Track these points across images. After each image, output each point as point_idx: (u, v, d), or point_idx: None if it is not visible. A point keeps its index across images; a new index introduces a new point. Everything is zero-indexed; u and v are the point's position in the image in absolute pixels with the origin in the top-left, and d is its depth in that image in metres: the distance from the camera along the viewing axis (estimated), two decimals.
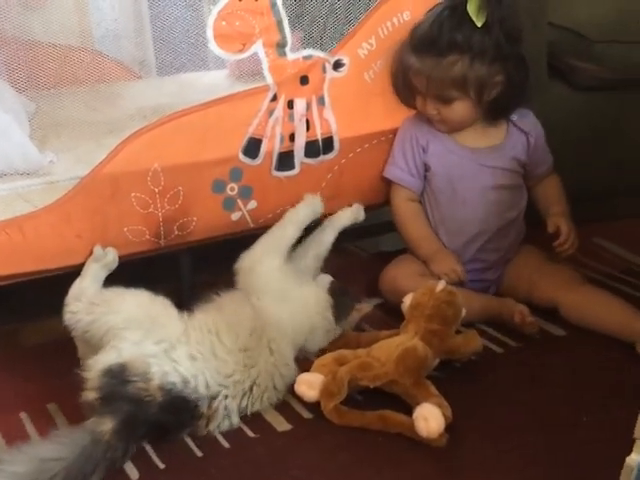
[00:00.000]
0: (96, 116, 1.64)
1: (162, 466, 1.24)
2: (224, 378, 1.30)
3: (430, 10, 1.63)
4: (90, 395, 1.24)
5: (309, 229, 1.61)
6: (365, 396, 1.36)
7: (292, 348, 1.40)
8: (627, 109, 1.98)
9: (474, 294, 1.61)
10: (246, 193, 1.58)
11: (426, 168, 1.69)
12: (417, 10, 1.64)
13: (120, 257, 1.47)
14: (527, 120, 1.70)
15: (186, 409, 1.26)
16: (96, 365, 1.25)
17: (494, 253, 1.68)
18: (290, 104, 1.56)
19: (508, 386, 1.42)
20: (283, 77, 1.53)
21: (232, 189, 1.56)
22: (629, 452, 0.96)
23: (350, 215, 1.65)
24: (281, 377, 1.36)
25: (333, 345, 1.47)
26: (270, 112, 1.55)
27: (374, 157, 1.70)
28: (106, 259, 1.45)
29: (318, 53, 1.57)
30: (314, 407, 1.34)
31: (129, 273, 1.49)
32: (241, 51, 1.50)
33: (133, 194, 1.46)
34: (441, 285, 1.43)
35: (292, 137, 1.58)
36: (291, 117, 1.57)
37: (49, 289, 1.41)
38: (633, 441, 0.95)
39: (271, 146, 1.57)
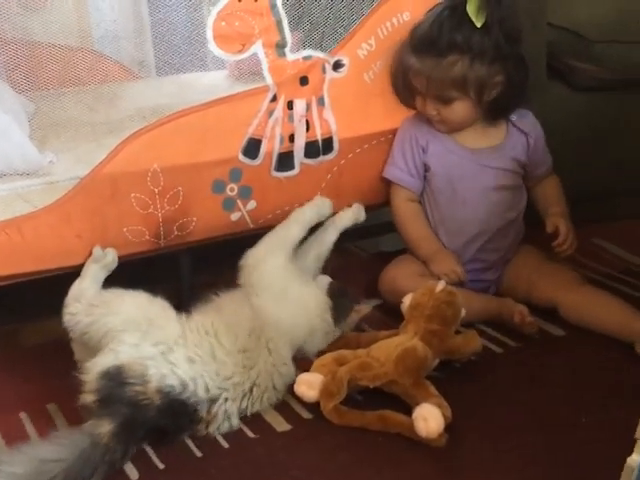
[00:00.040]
0: (96, 116, 1.64)
1: (162, 466, 1.24)
2: (224, 380, 1.30)
3: (430, 10, 1.63)
4: (88, 398, 1.24)
5: (311, 229, 1.61)
6: (365, 396, 1.36)
7: (290, 347, 1.40)
8: (627, 109, 1.98)
9: (474, 294, 1.61)
10: (246, 193, 1.58)
11: (426, 168, 1.69)
12: (417, 10, 1.64)
13: (120, 257, 1.47)
14: (527, 121, 1.71)
15: (185, 413, 1.26)
16: (94, 368, 1.25)
17: (494, 253, 1.68)
18: (290, 105, 1.56)
19: (508, 386, 1.42)
20: (283, 78, 1.53)
21: (232, 189, 1.56)
22: (629, 452, 0.95)
23: (352, 216, 1.65)
24: (280, 377, 1.36)
25: (333, 345, 1.47)
26: (270, 112, 1.55)
27: (374, 158, 1.70)
28: (105, 260, 1.45)
29: (318, 54, 1.57)
30: (314, 407, 1.34)
31: (129, 274, 1.49)
32: (240, 52, 1.50)
33: (133, 194, 1.47)
34: (441, 285, 1.44)
35: (292, 138, 1.58)
36: (291, 118, 1.57)
37: (49, 289, 1.41)
38: (634, 441, 0.95)
39: (271, 146, 1.57)
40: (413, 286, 1.49)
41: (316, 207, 1.60)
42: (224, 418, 1.29)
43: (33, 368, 1.49)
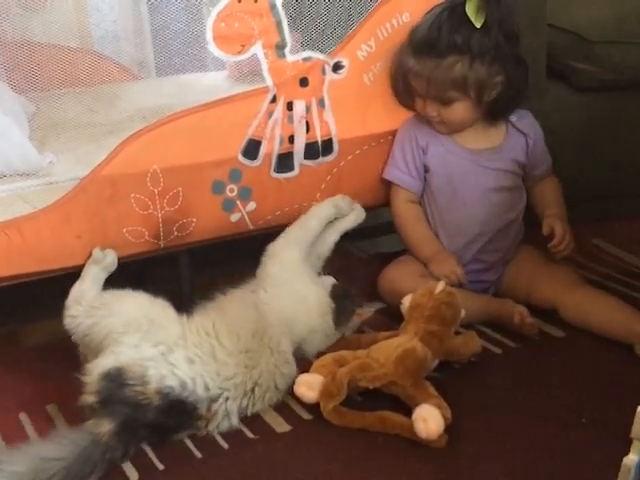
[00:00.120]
0: (95, 117, 1.64)
1: (161, 467, 1.24)
2: (224, 380, 1.30)
3: (429, 12, 1.63)
4: (89, 399, 1.24)
5: None
6: (365, 397, 1.36)
7: (290, 344, 1.40)
8: (626, 110, 1.99)
9: (473, 295, 1.61)
10: (245, 194, 1.58)
11: (426, 169, 1.69)
12: (417, 11, 1.64)
13: (120, 258, 1.47)
14: (526, 121, 1.71)
15: (184, 411, 1.26)
16: (95, 369, 1.26)
17: (494, 254, 1.68)
18: (289, 106, 1.56)
19: (507, 387, 1.42)
20: (282, 79, 1.53)
21: (231, 190, 1.56)
22: (627, 452, 0.96)
23: (354, 218, 1.64)
24: (282, 377, 1.36)
25: (333, 346, 1.46)
26: (269, 113, 1.55)
27: (373, 159, 1.70)
28: (105, 261, 1.45)
29: (317, 55, 1.57)
30: (314, 408, 1.34)
31: (129, 274, 1.49)
32: (240, 52, 1.50)
33: (132, 195, 1.47)
34: (440, 286, 1.44)
35: (291, 139, 1.58)
36: (290, 119, 1.57)
37: (48, 290, 1.41)
38: (631, 441, 0.96)
39: (270, 147, 1.57)
40: (413, 287, 1.49)
41: (335, 203, 1.60)
42: (224, 416, 1.30)
43: (33, 369, 1.49)
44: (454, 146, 1.68)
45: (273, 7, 1.49)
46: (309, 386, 1.34)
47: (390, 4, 1.63)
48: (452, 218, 1.67)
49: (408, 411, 1.29)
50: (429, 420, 1.24)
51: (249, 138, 1.54)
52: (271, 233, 1.56)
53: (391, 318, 1.55)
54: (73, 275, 1.43)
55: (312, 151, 1.61)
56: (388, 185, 1.72)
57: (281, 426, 1.33)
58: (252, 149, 1.55)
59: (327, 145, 1.62)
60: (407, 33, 1.63)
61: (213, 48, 1.48)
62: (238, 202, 1.57)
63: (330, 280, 1.53)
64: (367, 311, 1.52)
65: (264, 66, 1.51)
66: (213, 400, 1.28)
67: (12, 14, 1.48)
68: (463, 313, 1.44)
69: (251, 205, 1.59)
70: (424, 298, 1.43)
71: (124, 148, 1.45)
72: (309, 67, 1.56)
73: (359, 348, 1.42)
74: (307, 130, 1.59)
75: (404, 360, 1.34)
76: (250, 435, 1.31)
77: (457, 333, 1.45)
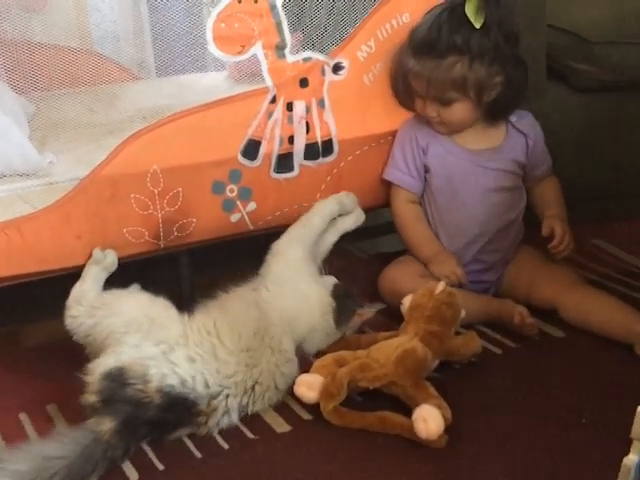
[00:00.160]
0: (95, 117, 1.64)
1: (161, 467, 1.24)
2: (224, 378, 1.30)
3: (428, 12, 1.64)
4: (91, 398, 1.25)
5: None
6: (365, 397, 1.36)
7: (292, 342, 1.41)
8: (626, 110, 1.99)
9: (473, 295, 1.61)
10: (245, 195, 1.58)
11: (426, 170, 1.69)
12: (417, 12, 1.64)
13: (120, 258, 1.47)
14: (526, 122, 1.71)
15: (184, 407, 1.27)
16: (96, 369, 1.26)
17: (494, 254, 1.68)
18: (289, 106, 1.56)
19: (507, 387, 1.42)
20: (282, 79, 1.53)
21: (231, 190, 1.56)
22: (627, 452, 0.96)
23: (354, 219, 1.64)
24: (282, 377, 1.36)
25: (333, 346, 1.46)
26: (269, 114, 1.55)
27: (373, 159, 1.70)
28: (105, 261, 1.45)
29: (317, 56, 1.57)
30: (314, 408, 1.34)
31: (129, 275, 1.49)
32: (240, 53, 1.50)
33: (133, 195, 1.47)
34: (441, 286, 1.44)
35: (291, 139, 1.58)
36: (290, 119, 1.57)
37: (49, 290, 1.41)
38: (631, 441, 0.96)
39: (270, 148, 1.57)
40: (413, 287, 1.49)
41: (339, 199, 1.61)
42: (224, 413, 1.30)
43: (33, 369, 1.49)
44: (454, 146, 1.68)
45: (273, 8, 1.49)
46: (309, 386, 1.34)
47: (390, 5, 1.63)
48: (452, 218, 1.68)
49: (408, 411, 1.29)
50: (429, 420, 1.24)
51: (249, 138, 1.54)
52: (271, 233, 1.56)
53: (391, 318, 1.55)
54: (73, 275, 1.43)
55: (312, 152, 1.61)
56: (388, 186, 1.72)
57: (281, 426, 1.33)
58: (252, 149, 1.55)
59: (327, 146, 1.62)
60: (407, 34, 1.64)
61: (213, 48, 1.48)
62: (238, 202, 1.57)
63: (332, 280, 1.52)
64: (368, 311, 1.52)
65: (264, 66, 1.52)
66: (213, 397, 1.28)
67: (12, 14, 1.48)
68: (463, 313, 1.44)
69: (251, 205, 1.59)
70: (424, 298, 1.43)
71: (124, 148, 1.45)
72: (309, 68, 1.56)
73: (359, 348, 1.42)
74: (307, 131, 1.59)
75: (404, 360, 1.34)
76: (250, 435, 1.31)
77: (457, 333, 1.45)
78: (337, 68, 1.60)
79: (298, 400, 1.36)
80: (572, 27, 2.02)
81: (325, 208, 1.59)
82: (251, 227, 1.61)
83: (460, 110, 1.62)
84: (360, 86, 1.64)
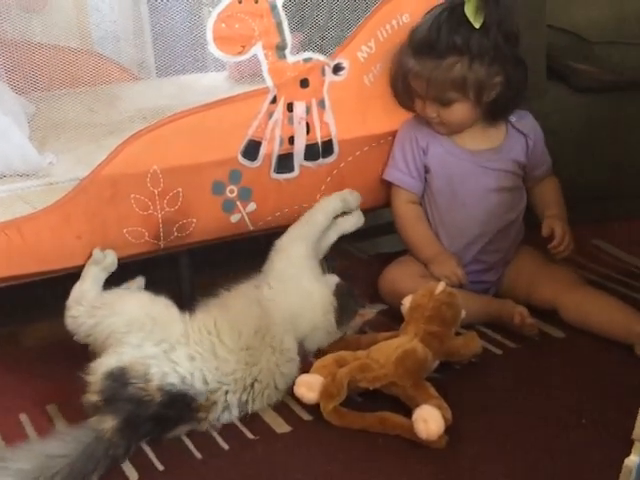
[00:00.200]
0: (95, 117, 1.64)
1: (161, 468, 1.24)
2: (224, 375, 1.31)
3: (428, 12, 1.64)
4: (93, 397, 1.25)
5: None
6: (365, 398, 1.36)
7: (295, 341, 1.40)
8: (626, 110, 1.99)
9: (474, 295, 1.61)
10: (245, 195, 1.58)
11: (426, 170, 1.69)
12: (417, 12, 1.64)
13: (120, 259, 1.47)
14: (526, 122, 1.71)
15: (184, 402, 1.27)
16: (98, 368, 1.27)
17: (494, 254, 1.68)
18: (290, 107, 1.56)
19: (507, 388, 1.42)
20: (283, 80, 1.53)
21: (231, 191, 1.56)
22: (628, 453, 0.96)
23: (354, 222, 1.64)
24: (282, 376, 1.36)
25: (333, 346, 1.46)
26: (269, 114, 1.55)
27: (374, 160, 1.70)
28: (105, 262, 1.45)
29: (318, 56, 1.57)
30: (314, 409, 1.34)
31: (129, 275, 1.49)
32: (240, 53, 1.50)
33: (133, 195, 1.47)
34: (441, 287, 1.44)
35: (291, 140, 1.58)
36: (290, 120, 1.57)
37: (49, 290, 1.41)
38: (632, 442, 0.95)
39: (270, 148, 1.57)
40: (413, 287, 1.49)
41: (343, 197, 1.61)
42: (224, 408, 1.30)
43: (33, 369, 1.50)
44: (454, 147, 1.68)
45: (274, 8, 1.49)
46: (309, 387, 1.34)
47: (390, 5, 1.63)
48: (452, 219, 1.67)
49: (408, 412, 1.29)
50: (429, 421, 1.24)
51: (249, 139, 1.54)
52: (271, 234, 1.56)
53: (391, 319, 1.55)
54: (73, 275, 1.43)
55: (312, 152, 1.61)
56: (388, 186, 1.72)
57: (281, 427, 1.33)
58: (252, 150, 1.55)
59: (327, 146, 1.62)
60: (407, 34, 1.63)
61: (213, 49, 1.48)
62: (238, 203, 1.57)
63: (334, 279, 1.52)
64: (370, 312, 1.51)
65: (264, 67, 1.51)
66: (212, 392, 1.29)
67: (12, 14, 1.48)
68: (463, 314, 1.44)
69: (251, 206, 1.59)
70: (424, 299, 1.42)
71: (124, 148, 1.45)
72: (309, 68, 1.56)
73: (359, 349, 1.42)
74: (307, 131, 1.59)
75: (404, 361, 1.34)
76: (250, 436, 1.31)
77: (457, 334, 1.45)
78: (337, 69, 1.60)
79: (298, 400, 1.36)
80: (572, 27, 2.02)
81: (329, 205, 1.59)
82: (251, 227, 1.61)
83: (460, 110, 1.62)
84: (360, 87, 1.64)
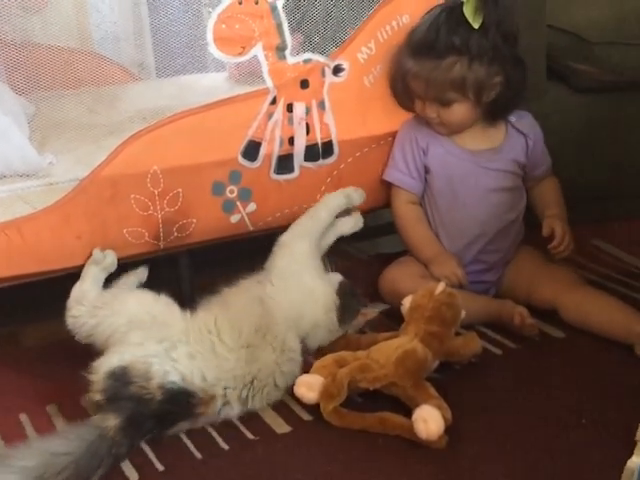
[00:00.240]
0: (95, 118, 1.64)
1: (161, 468, 1.24)
2: (223, 372, 1.31)
3: (427, 13, 1.64)
4: (95, 397, 1.26)
5: None
6: (365, 398, 1.36)
7: (297, 339, 1.40)
8: (626, 111, 1.99)
9: (474, 296, 1.61)
10: (245, 196, 1.58)
11: (426, 170, 1.69)
12: (416, 13, 1.64)
13: (119, 259, 1.47)
14: (526, 122, 1.71)
15: (184, 399, 1.27)
16: (101, 368, 1.27)
17: (494, 254, 1.68)
18: (289, 107, 1.56)
19: (507, 388, 1.42)
20: (283, 80, 1.53)
21: (231, 191, 1.56)
22: (629, 454, 0.96)
23: (353, 224, 1.64)
24: (282, 375, 1.36)
25: (334, 347, 1.46)
26: (269, 115, 1.55)
27: (374, 161, 1.70)
28: (105, 262, 1.45)
29: (318, 57, 1.57)
30: (314, 409, 1.34)
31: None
32: (241, 54, 1.50)
33: (132, 196, 1.47)
34: (441, 287, 1.44)
35: (291, 140, 1.58)
36: (290, 120, 1.57)
37: (49, 290, 1.41)
38: (634, 443, 0.95)
39: (270, 149, 1.57)
40: (413, 287, 1.49)
41: (347, 193, 1.61)
42: (224, 403, 1.30)
43: (33, 369, 1.50)
44: (454, 147, 1.68)
45: (274, 9, 1.49)
46: (309, 387, 1.34)
47: (390, 6, 1.63)
48: (452, 219, 1.68)
49: (408, 412, 1.29)
50: (429, 421, 1.24)
51: (249, 139, 1.54)
52: (271, 234, 1.56)
53: (391, 319, 1.55)
54: (73, 275, 1.44)
55: (312, 153, 1.61)
56: (388, 187, 1.72)
57: (281, 427, 1.33)
58: (252, 150, 1.55)
59: (327, 147, 1.62)
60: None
61: (213, 49, 1.48)
62: (238, 203, 1.58)
63: (338, 277, 1.52)
64: (372, 312, 1.51)
65: (264, 68, 1.52)
66: (211, 386, 1.29)
67: (12, 14, 1.48)
68: (463, 314, 1.44)
69: (251, 206, 1.59)
70: (424, 299, 1.42)
71: (124, 149, 1.45)
72: (309, 69, 1.56)
73: (359, 349, 1.42)
74: (307, 132, 1.59)
75: (404, 361, 1.34)
76: (250, 436, 1.31)
77: (457, 334, 1.45)
78: (337, 70, 1.60)
79: (298, 401, 1.36)
80: (572, 27, 2.02)
81: (332, 201, 1.59)
82: (251, 228, 1.61)
83: (459, 110, 1.62)
84: (360, 88, 1.64)
